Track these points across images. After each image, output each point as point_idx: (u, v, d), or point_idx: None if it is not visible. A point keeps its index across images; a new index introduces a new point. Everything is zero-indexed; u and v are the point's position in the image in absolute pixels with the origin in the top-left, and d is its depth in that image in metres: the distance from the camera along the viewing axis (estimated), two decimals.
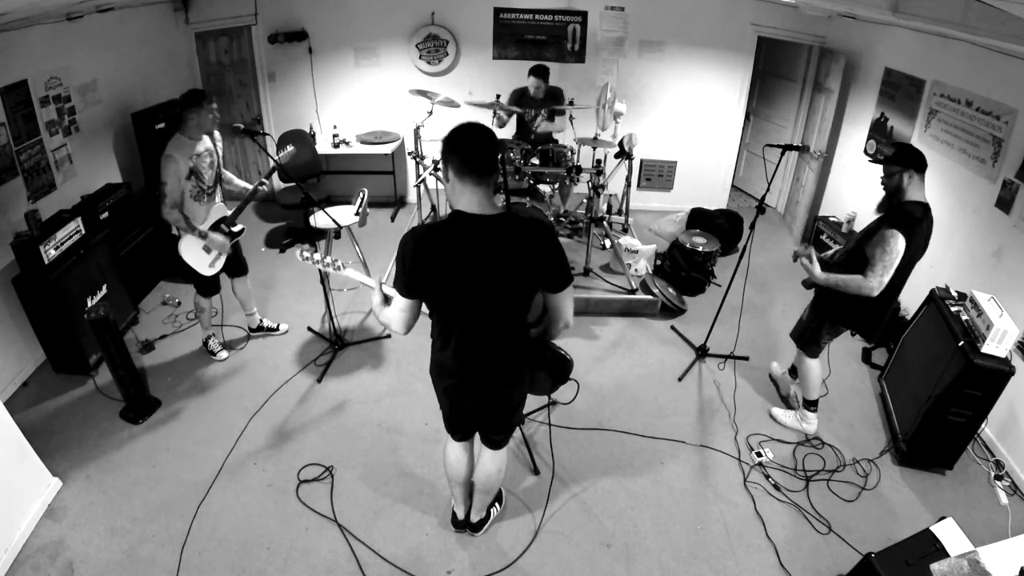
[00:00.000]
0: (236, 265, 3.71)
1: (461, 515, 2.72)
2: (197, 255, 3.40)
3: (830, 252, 3.30)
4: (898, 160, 2.66)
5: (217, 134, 3.43)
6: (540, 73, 4.90)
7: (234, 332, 4.11)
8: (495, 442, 2.43)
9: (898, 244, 2.58)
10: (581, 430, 3.35)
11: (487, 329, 1.99)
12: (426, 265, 1.84)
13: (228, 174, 3.62)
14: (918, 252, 2.71)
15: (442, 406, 2.33)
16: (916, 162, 2.63)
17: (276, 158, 3.50)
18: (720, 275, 4.91)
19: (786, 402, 3.60)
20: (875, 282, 2.64)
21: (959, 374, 2.81)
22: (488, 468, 2.51)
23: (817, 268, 2.89)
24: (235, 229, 3.55)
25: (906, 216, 2.62)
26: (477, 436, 2.49)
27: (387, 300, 2.05)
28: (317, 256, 2.35)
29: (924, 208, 2.66)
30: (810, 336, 3.15)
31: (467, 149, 1.79)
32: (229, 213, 3.55)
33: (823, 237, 5.11)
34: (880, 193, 2.80)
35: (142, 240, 4.44)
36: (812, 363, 3.22)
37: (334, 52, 5.72)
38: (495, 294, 1.89)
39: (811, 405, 3.33)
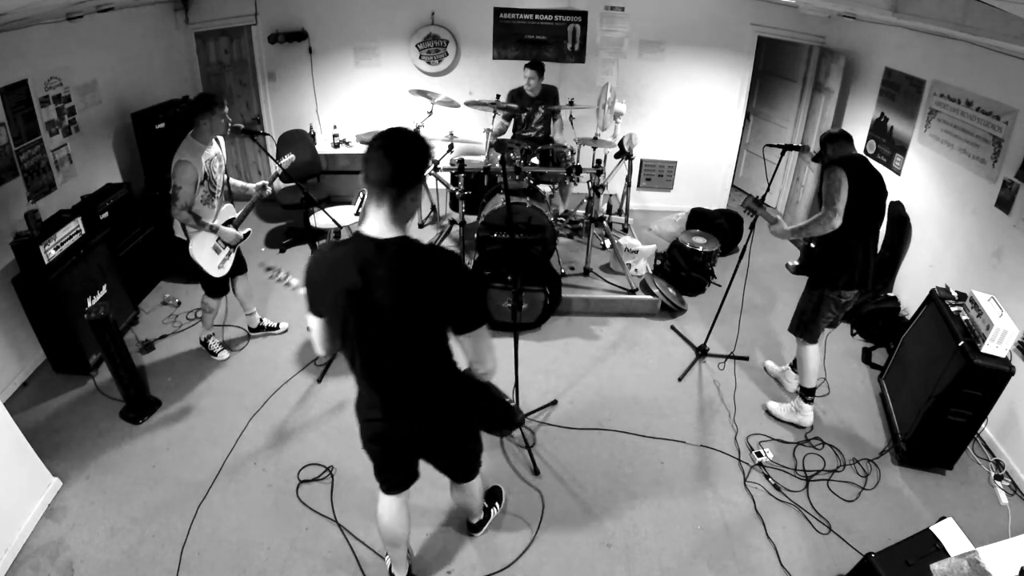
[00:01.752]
0: (236, 264, 3.71)
1: None
2: (207, 256, 3.41)
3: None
4: (820, 147, 3.17)
5: (219, 137, 3.44)
6: (536, 66, 4.92)
7: (234, 332, 4.11)
8: (459, 478, 2.28)
9: (837, 173, 2.87)
10: (581, 430, 3.35)
11: (390, 358, 1.77)
12: (318, 285, 1.71)
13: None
14: (870, 187, 2.95)
15: (366, 449, 2.05)
16: (828, 138, 3.12)
17: (280, 164, 3.53)
18: (720, 275, 4.91)
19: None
20: (830, 212, 2.88)
21: (959, 374, 2.81)
22: (461, 495, 2.39)
23: (783, 223, 3.20)
24: (242, 232, 3.56)
25: (840, 158, 2.97)
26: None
27: None
28: (276, 269, 2.53)
29: (858, 156, 3.05)
30: (810, 316, 3.19)
31: (367, 159, 1.55)
32: (237, 215, 3.57)
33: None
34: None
35: (142, 240, 4.43)
36: (811, 349, 3.25)
37: (334, 52, 5.73)
38: (386, 325, 1.68)
39: (808, 395, 3.34)
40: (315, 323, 1.82)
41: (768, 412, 3.50)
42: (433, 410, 1.92)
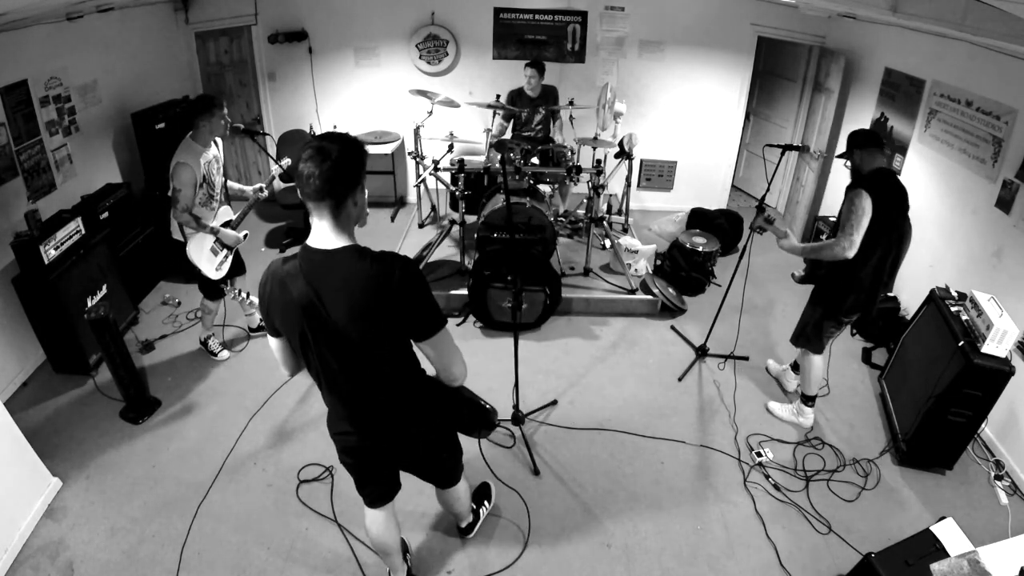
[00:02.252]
0: (235, 265, 3.71)
1: None
2: (205, 258, 3.41)
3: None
4: (847, 147, 2.92)
5: (217, 138, 3.43)
6: (537, 66, 4.93)
7: (235, 332, 4.11)
8: (443, 483, 2.28)
9: (862, 200, 2.68)
10: (581, 430, 3.35)
11: (352, 371, 1.71)
12: (272, 303, 1.65)
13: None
14: (894, 212, 2.78)
15: (343, 463, 2.07)
16: (857, 141, 2.87)
17: (279, 165, 3.54)
18: (720, 275, 4.91)
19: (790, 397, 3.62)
20: (846, 241, 2.71)
21: (959, 374, 2.81)
22: (447, 500, 2.41)
23: (793, 239, 3.05)
24: (241, 234, 3.56)
25: (868, 177, 2.78)
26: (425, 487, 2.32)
27: None
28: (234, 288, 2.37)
29: (886, 171, 2.83)
30: (813, 331, 3.15)
31: (298, 173, 1.48)
32: (235, 216, 3.57)
33: (823, 237, 5.11)
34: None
35: (142, 240, 4.43)
36: (816, 359, 3.23)
37: (334, 52, 5.72)
38: (344, 337, 1.61)
39: (809, 400, 3.34)
40: (275, 343, 1.78)
41: (769, 411, 3.51)
42: (403, 421, 1.88)
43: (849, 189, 2.79)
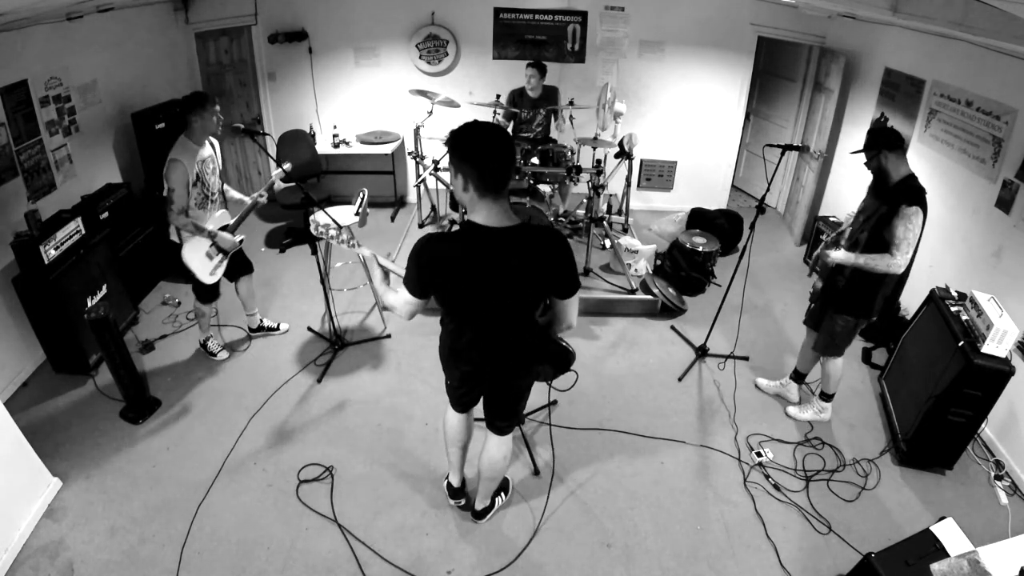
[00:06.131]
0: (241, 265, 3.71)
1: (456, 483, 2.80)
2: (200, 261, 3.39)
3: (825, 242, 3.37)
4: (872, 144, 2.84)
5: (214, 139, 3.42)
6: (538, 66, 4.94)
7: (235, 333, 4.11)
8: (500, 428, 2.49)
9: (919, 220, 2.71)
10: (581, 430, 3.35)
11: (498, 329, 2.07)
12: (437, 274, 1.90)
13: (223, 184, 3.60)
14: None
15: (450, 380, 2.39)
16: (887, 141, 2.80)
17: (282, 167, 3.52)
18: (720, 275, 4.91)
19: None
20: (902, 260, 2.74)
21: (959, 374, 2.81)
22: (493, 455, 2.54)
23: (842, 251, 2.99)
24: (237, 239, 3.54)
25: (916, 192, 2.74)
26: (482, 424, 2.56)
27: (387, 275, 2.14)
28: (333, 232, 2.42)
29: (917, 180, 2.80)
30: (843, 339, 3.17)
31: (485, 163, 1.76)
32: (232, 221, 3.56)
33: (823, 237, 5.10)
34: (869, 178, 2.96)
35: (142, 240, 4.43)
36: (840, 361, 3.27)
37: (334, 52, 5.73)
38: (505, 301, 1.97)
39: (829, 398, 3.39)
40: (410, 299, 1.99)
41: (792, 418, 3.49)
42: (518, 366, 2.22)
43: (903, 202, 2.71)
